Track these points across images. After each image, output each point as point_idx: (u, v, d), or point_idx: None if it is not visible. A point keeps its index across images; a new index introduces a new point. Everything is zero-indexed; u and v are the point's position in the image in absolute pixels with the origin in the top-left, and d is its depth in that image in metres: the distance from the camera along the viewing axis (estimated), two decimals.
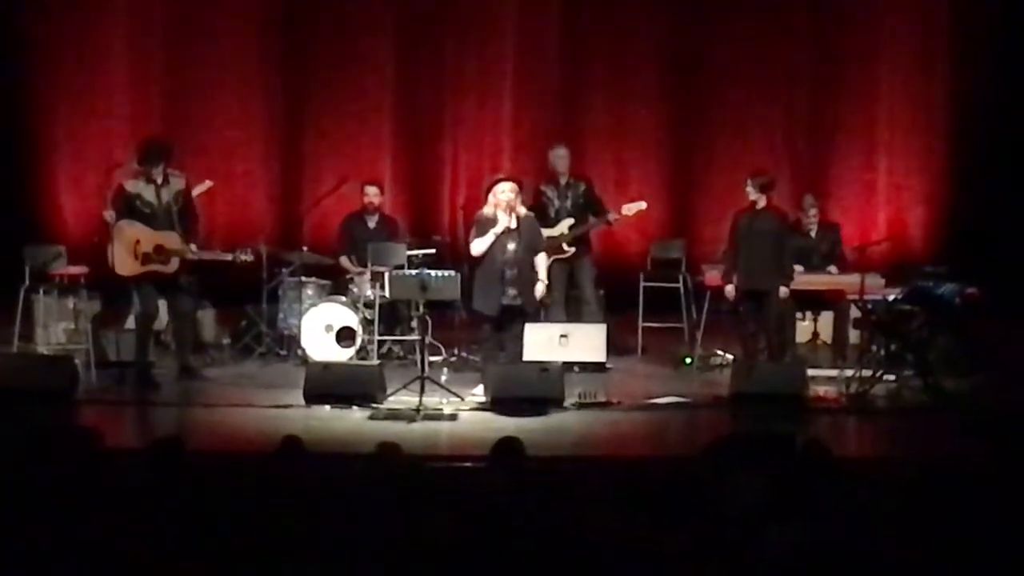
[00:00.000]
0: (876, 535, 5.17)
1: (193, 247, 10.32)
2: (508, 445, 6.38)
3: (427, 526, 5.15)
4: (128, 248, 10.19)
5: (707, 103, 14.33)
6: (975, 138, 13.90)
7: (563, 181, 11.72)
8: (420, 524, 5.17)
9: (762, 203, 10.70)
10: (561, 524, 5.24)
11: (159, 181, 10.22)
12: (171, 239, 10.20)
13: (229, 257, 10.58)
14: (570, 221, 11.56)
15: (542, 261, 10.11)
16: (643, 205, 11.78)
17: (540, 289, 10.04)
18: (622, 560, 4.99)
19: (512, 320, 9.99)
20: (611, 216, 11.71)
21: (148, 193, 10.21)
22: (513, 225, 9.88)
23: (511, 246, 9.89)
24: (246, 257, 10.67)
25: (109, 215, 10.21)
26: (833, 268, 11.51)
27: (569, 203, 11.65)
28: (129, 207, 10.20)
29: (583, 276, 11.65)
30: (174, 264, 10.23)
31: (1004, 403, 9.94)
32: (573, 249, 11.53)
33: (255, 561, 5.07)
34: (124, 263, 10.22)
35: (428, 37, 14.31)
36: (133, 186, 10.24)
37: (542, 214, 11.26)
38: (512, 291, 9.88)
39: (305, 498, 5.57)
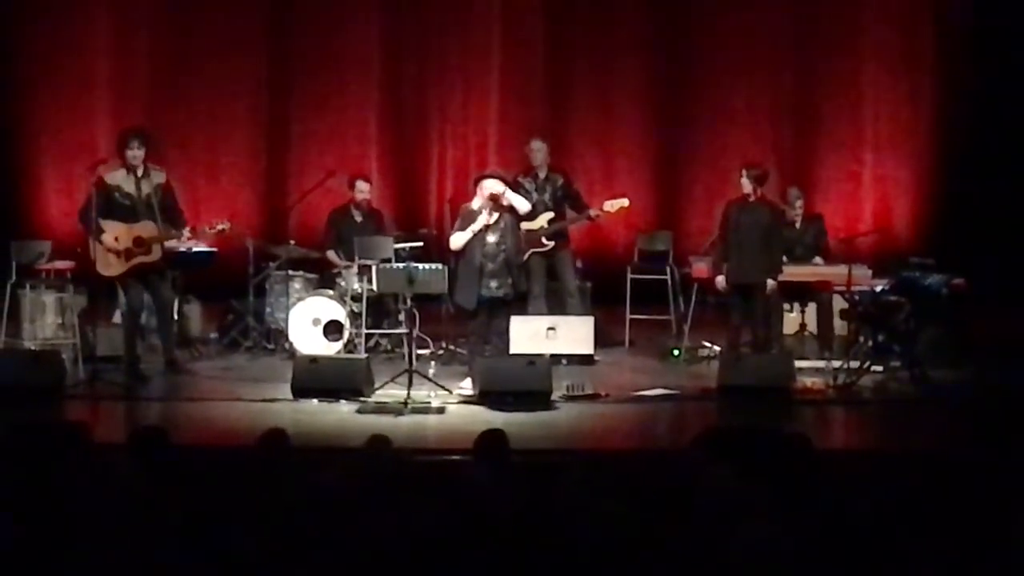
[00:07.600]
0: (863, 527, 5.18)
1: (185, 231, 10.33)
2: (492, 437, 6.37)
3: (414, 519, 5.15)
4: (109, 249, 10.19)
5: (693, 95, 14.32)
6: (961, 128, 13.89)
7: (541, 175, 11.68)
8: (407, 516, 5.16)
9: (754, 195, 10.70)
10: (548, 517, 5.23)
11: (139, 173, 10.21)
12: (147, 228, 10.20)
13: (207, 228, 10.57)
14: (549, 215, 11.52)
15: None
16: (625, 202, 11.69)
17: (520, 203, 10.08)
18: (609, 553, 5.00)
19: (496, 311, 9.97)
20: (592, 212, 11.68)
21: (128, 185, 10.22)
22: (494, 219, 9.86)
23: (491, 239, 9.85)
24: (223, 226, 10.67)
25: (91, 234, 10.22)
26: (819, 259, 11.49)
27: (547, 196, 11.59)
28: (108, 199, 10.20)
29: (563, 269, 11.62)
30: (156, 252, 10.24)
31: (991, 394, 9.97)
32: (552, 243, 11.50)
33: (242, 555, 5.07)
34: (108, 264, 10.24)
35: (413, 30, 14.31)
36: (112, 178, 10.26)
37: None
38: (494, 283, 9.84)
39: (289, 490, 5.56)
